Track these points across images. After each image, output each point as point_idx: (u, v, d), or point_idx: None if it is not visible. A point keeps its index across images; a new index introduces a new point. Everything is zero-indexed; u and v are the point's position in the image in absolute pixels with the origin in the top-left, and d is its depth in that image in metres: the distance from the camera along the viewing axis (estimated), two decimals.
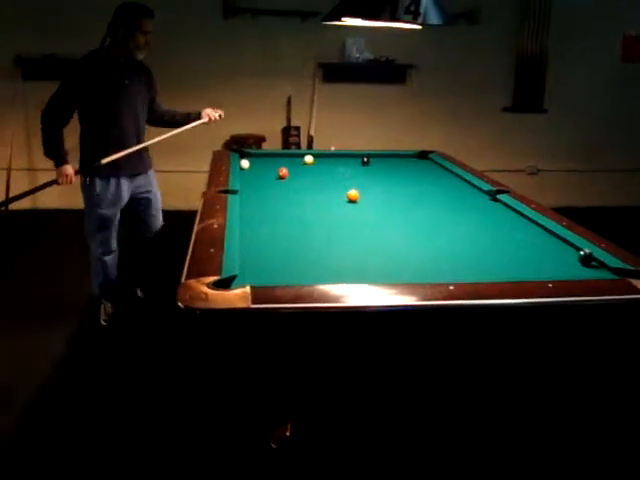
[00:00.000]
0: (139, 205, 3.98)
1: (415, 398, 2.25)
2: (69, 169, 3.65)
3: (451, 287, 2.09)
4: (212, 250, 2.40)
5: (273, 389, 2.18)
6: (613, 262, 2.42)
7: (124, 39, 3.61)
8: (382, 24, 3.27)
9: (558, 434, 2.50)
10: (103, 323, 4.00)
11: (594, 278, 2.33)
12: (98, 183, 3.72)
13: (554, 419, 2.42)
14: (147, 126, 3.98)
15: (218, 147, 5.69)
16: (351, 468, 2.51)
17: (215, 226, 2.70)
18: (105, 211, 3.76)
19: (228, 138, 6.21)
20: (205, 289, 2.02)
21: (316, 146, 6.31)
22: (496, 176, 3.99)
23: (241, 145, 5.64)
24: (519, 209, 3.22)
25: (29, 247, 5.35)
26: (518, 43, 6.53)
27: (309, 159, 4.32)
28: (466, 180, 3.89)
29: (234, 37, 6.17)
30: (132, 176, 3.84)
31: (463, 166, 4.21)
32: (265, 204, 3.34)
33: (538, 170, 6.92)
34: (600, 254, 2.50)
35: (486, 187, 3.64)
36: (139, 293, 4.31)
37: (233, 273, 2.20)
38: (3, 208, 4.08)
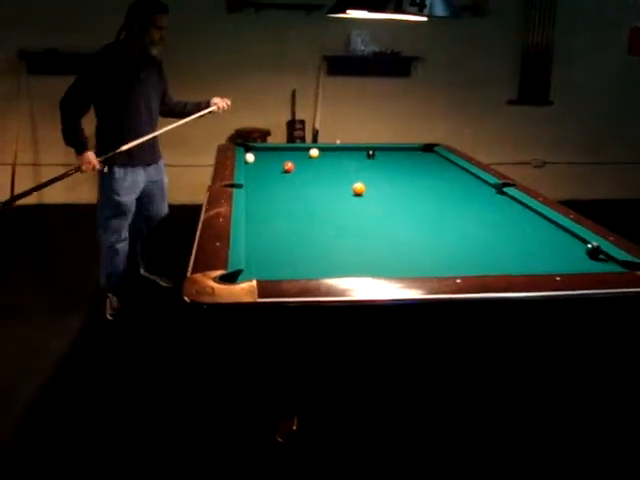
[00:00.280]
0: (148, 194, 4.06)
1: (423, 391, 2.25)
2: (91, 156, 3.74)
3: (458, 280, 2.08)
4: (218, 244, 2.40)
5: (280, 383, 2.18)
6: (621, 255, 2.41)
7: (139, 34, 3.69)
8: (387, 16, 3.25)
9: (567, 427, 2.49)
10: (109, 317, 4.02)
11: (602, 271, 2.32)
12: (117, 171, 3.81)
13: (563, 412, 2.41)
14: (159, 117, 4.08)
15: (223, 141, 5.68)
16: (358, 462, 2.51)
17: (221, 220, 2.70)
18: (123, 198, 3.86)
19: (233, 132, 6.20)
20: (211, 283, 2.02)
21: (321, 139, 6.30)
22: (502, 169, 3.98)
23: (246, 139, 5.64)
24: (526, 202, 3.20)
25: (34, 242, 5.35)
26: (524, 35, 6.50)
27: (314, 153, 4.31)
28: (472, 173, 3.88)
29: (238, 31, 6.15)
30: (146, 166, 3.96)
31: (469, 159, 4.20)
32: (270, 198, 3.34)
33: (544, 163, 6.89)
34: (608, 247, 2.49)
35: (492, 180, 3.62)
36: (142, 271, 4.41)
37: (239, 267, 2.19)
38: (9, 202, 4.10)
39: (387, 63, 6.46)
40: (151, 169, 4.01)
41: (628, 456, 2.61)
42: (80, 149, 3.72)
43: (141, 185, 3.95)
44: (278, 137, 6.37)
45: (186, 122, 4.10)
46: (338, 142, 5.40)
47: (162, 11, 3.67)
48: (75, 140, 3.71)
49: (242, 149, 4.42)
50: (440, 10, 3.02)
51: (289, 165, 3.86)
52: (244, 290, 1.97)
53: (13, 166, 5.86)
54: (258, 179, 3.66)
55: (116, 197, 3.84)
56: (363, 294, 2.01)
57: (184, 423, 2.93)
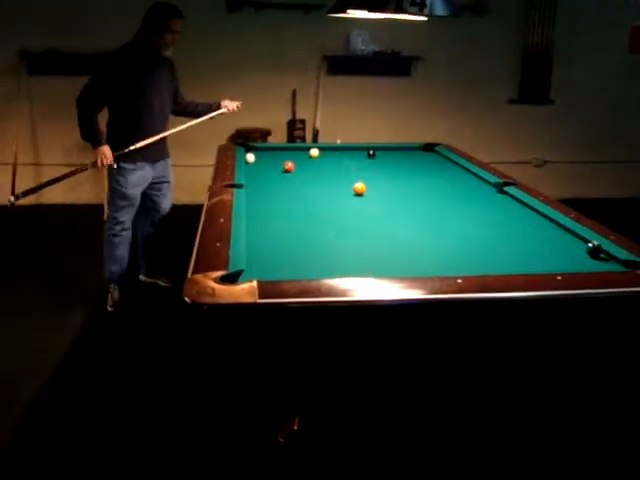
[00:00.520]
0: (155, 188, 4.17)
1: (424, 392, 2.25)
2: (107, 149, 3.85)
3: (459, 280, 2.08)
4: (218, 244, 2.39)
5: (280, 383, 2.17)
6: (622, 254, 2.41)
7: (152, 36, 3.82)
8: (387, 16, 3.24)
9: (569, 427, 2.49)
10: (110, 309, 4.11)
11: (603, 270, 2.32)
12: (126, 165, 3.94)
13: (564, 412, 2.41)
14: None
15: (223, 141, 5.68)
16: (359, 462, 2.51)
17: (221, 220, 2.70)
18: (130, 191, 4.00)
19: (233, 132, 6.20)
20: (212, 284, 2.02)
21: (322, 139, 6.30)
22: (502, 168, 3.97)
23: (246, 139, 5.64)
24: (526, 201, 3.20)
25: (35, 242, 5.35)
26: (524, 35, 6.49)
27: (315, 152, 4.30)
28: (472, 172, 3.88)
29: (238, 30, 6.15)
30: (155, 162, 4.09)
31: (469, 158, 4.19)
32: (271, 198, 3.34)
33: (544, 162, 6.88)
34: (609, 246, 2.48)
35: (493, 179, 3.62)
36: (142, 277, 4.46)
37: (240, 268, 2.19)
38: (12, 199, 4.12)
39: (387, 62, 6.45)
40: (159, 165, 4.14)
41: (629, 456, 2.61)
42: (96, 142, 3.85)
43: (148, 180, 4.09)
44: (278, 137, 6.37)
45: (197, 122, 4.28)
46: (338, 142, 5.40)
47: (177, 16, 3.82)
48: (91, 135, 3.85)
49: (242, 149, 4.42)
50: (440, 10, 3.02)
51: (289, 165, 3.86)
52: (245, 291, 1.97)
53: (14, 166, 5.85)
54: (259, 179, 3.65)
55: (124, 190, 3.98)
56: (364, 294, 2.01)
57: (186, 424, 2.93)
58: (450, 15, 3.12)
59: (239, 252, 2.36)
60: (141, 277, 4.45)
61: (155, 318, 3.92)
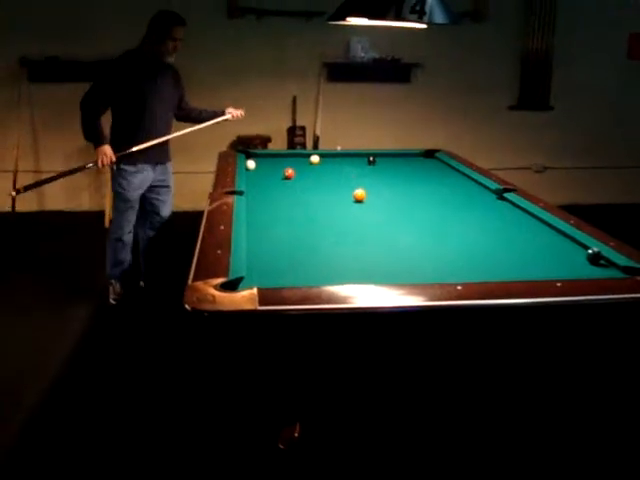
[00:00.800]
0: (155, 191, 4.24)
1: (424, 399, 2.25)
2: (108, 149, 3.95)
3: (459, 287, 2.08)
4: (219, 252, 2.40)
5: (281, 390, 2.17)
6: (622, 260, 2.41)
7: (156, 43, 3.91)
8: (387, 24, 3.25)
9: (570, 433, 2.49)
10: (112, 302, 4.21)
11: (603, 277, 2.32)
12: (127, 168, 4.03)
13: (564, 418, 2.41)
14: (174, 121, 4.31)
15: (224, 148, 5.69)
16: (360, 468, 2.50)
17: (222, 227, 2.70)
18: (130, 193, 4.10)
19: (234, 139, 6.22)
20: (212, 291, 2.02)
21: (322, 146, 6.31)
22: (502, 174, 3.98)
23: (247, 146, 5.65)
24: (526, 207, 3.20)
25: (36, 248, 5.35)
26: (524, 41, 6.51)
27: (315, 159, 4.31)
28: (473, 179, 3.88)
29: (239, 37, 6.17)
30: (156, 164, 4.16)
31: (469, 165, 4.20)
32: (271, 205, 3.34)
33: (545, 168, 6.89)
34: (609, 252, 2.48)
35: (493, 185, 3.62)
36: (141, 283, 4.50)
37: (240, 275, 2.19)
38: (13, 194, 4.25)
39: (387, 69, 6.47)
40: (160, 168, 4.20)
41: (629, 459, 2.60)
42: (98, 142, 3.94)
43: (149, 182, 4.16)
44: (279, 143, 6.38)
45: (200, 128, 4.35)
46: (339, 148, 5.41)
47: (179, 24, 3.91)
48: (93, 135, 3.95)
49: (243, 156, 4.42)
50: (440, 17, 3.03)
51: (290, 172, 3.86)
52: (245, 298, 1.97)
53: (14, 173, 5.87)
54: (259, 186, 3.66)
55: (126, 193, 4.08)
56: (364, 301, 2.01)
57: (187, 431, 2.92)
58: (449, 22, 3.12)
59: (239, 259, 2.36)
60: (141, 284, 4.46)
61: (155, 324, 3.92)
